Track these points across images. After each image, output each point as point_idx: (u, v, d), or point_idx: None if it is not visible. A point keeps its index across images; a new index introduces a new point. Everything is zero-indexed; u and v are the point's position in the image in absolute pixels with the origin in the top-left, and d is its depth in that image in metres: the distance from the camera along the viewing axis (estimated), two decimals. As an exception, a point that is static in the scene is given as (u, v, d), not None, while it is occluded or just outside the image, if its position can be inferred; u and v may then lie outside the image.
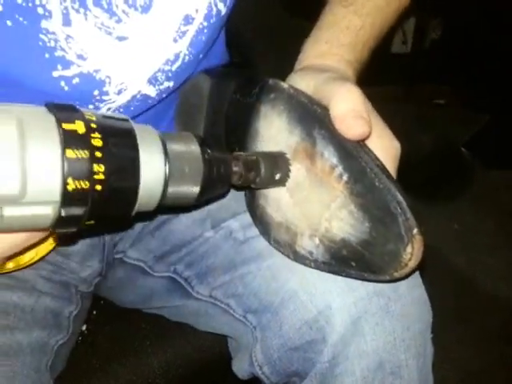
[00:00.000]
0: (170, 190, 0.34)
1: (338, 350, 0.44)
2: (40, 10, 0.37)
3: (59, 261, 0.57)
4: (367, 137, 0.36)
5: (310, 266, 0.41)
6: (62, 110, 0.30)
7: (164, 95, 0.47)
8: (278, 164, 0.39)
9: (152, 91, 0.46)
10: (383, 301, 0.44)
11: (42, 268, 0.55)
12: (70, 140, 0.28)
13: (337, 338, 0.44)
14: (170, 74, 0.46)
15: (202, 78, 0.49)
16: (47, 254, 0.45)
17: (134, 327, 0.65)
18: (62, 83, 0.40)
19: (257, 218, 0.45)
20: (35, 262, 0.45)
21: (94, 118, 0.31)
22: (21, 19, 0.37)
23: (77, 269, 0.59)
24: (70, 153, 0.28)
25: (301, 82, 0.42)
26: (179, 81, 0.48)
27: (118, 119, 0.33)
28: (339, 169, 0.36)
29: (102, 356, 0.61)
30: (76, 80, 0.41)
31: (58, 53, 0.39)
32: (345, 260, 0.38)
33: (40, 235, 0.35)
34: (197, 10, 0.44)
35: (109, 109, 0.44)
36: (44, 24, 0.37)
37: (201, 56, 0.48)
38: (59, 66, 0.40)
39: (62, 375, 0.56)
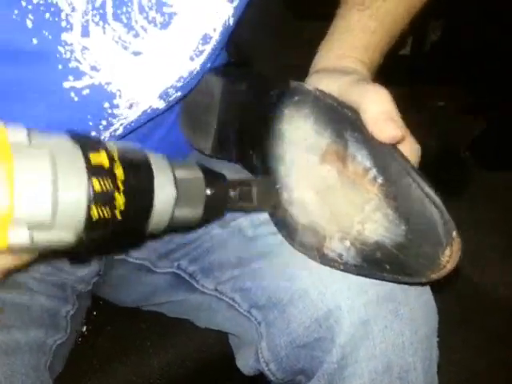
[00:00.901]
0: (176, 212, 0.36)
1: (346, 351, 0.44)
2: (63, 23, 0.37)
3: (56, 262, 0.57)
4: (401, 140, 0.37)
5: (339, 269, 0.41)
6: (88, 142, 0.32)
7: (172, 105, 0.48)
8: (267, 189, 0.42)
9: (161, 105, 0.46)
10: (393, 304, 0.44)
11: (35, 270, 0.55)
12: (95, 172, 0.31)
13: (345, 338, 0.44)
14: (179, 89, 0.46)
15: (212, 79, 0.49)
16: None
17: (134, 327, 0.65)
18: (72, 94, 0.41)
19: (279, 222, 0.45)
20: None
21: (115, 150, 0.33)
22: (46, 34, 0.37)
23: (74, 269, 0.59)
24: (96, 184, 0.31)
25: (319, 84, 0.41)
26: (186, 91, 0.48)
27: (135, 150, 0.35)
28: (373, 171, 0.36)
29: (102, 356, 0.61)
30: (86, 91, 0.41)
31: (72, 64, 0.39)
32: (378, 263, 0.38)
33: None
34: (215, 29, 0.44)
35: (121, 124, 0.45)
36: (64, 36, 0.38)
37: (208, 65, 0.48)
38: (71, 77, 0.40)
39: (63, 375, 0.56)
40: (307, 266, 0.43)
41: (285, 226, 0.44)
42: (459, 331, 1.12)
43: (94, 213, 0.31)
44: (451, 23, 1.79)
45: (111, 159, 0.32)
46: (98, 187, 0.31)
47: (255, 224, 0.51)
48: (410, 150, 0.39)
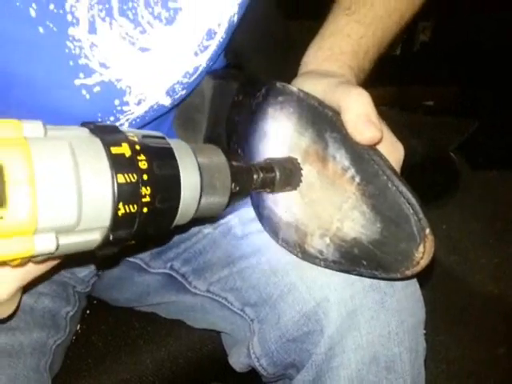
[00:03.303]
0: (202, 202, 0.34)
1: (334, 342, 0.45)
2: (69, 17, 0.37)
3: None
4: (378, 141, 0.37)
5: (320, 265, 0.42)
6: (107, 132, 0.30)
7: (176, 103, 0.48)
8: (291, 170, 0.41)
9: (168, 101, 0.46)
10: (379, 295, 0.45)
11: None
12: (119, 164, 0.29)
13: (333, 329, 0.45)
14: (186, 85, 0.46)
15: (203, 79, 0.49)
16: None
17: (127, 326, 0.65)
18: (84, 91, 0.40)
19: (264, 219, 0.46)
20: None
21: (136, 139, 0.31)
22: (51, 25, 0.37)
23: (74, 269, 0.59)
24: (120, 178, 0.28)
25: (306, 85, 0.42)
26: (191, 89, 0.48)
27: (156, 137, 0.33)
28: (351, 171, 0.37)
29: (96, 355, 0.61)
30: (97, 88, 0.41)
31: (82, 60, 0.39)
32: (355, 259, 0.39)
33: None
34: (219, 25, 0.44)
35: (127, 120, 0.45)
36: (71, 31, 0.38)
37: (212, 63, 0.48)
38: (81, 75, 0.40)
39: (57, 374, 0.56)
40: (295, 260, 0.44)
41: (269, 222, 0.45)
42: (449, 329, 1.13)
43: (121, 209, 0.29)
44: (441, 24, 1.80)
45: (133, 148, 0.30)
46: (122, 182, 0.28)
47: (244, 222, 0.52)
48: (392, 149, 0.40)
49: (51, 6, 0.36)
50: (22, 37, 0.37)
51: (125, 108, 0.43)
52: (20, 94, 0.40)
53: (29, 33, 0.37)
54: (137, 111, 0.44)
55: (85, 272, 0.61)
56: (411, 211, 0.35)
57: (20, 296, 0.37)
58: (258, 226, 0.47)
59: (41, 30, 0.37)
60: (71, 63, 0.39)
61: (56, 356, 0.54)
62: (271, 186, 0.40)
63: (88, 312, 0.65)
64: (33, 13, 0.36)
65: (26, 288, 0.40)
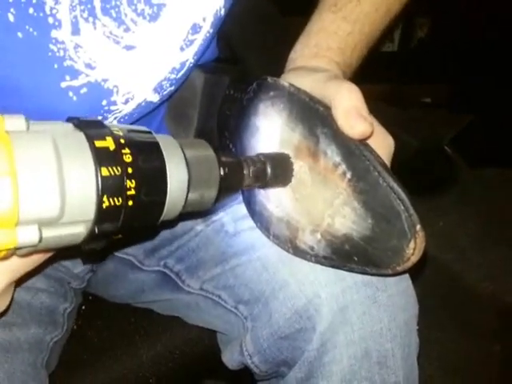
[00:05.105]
0: (190, 196, 0.34)
1: (326, 337, 0.45)
2: (50, 20, 0.37)
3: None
4: (369, 136, 0.37)
5: (311, 261, 0.42)
6: (91, 127, 0.30)
7: (165, 99, 0.48)
8: (282, 166, 0.41)
9: (156, 98, 0.46)
10: (370, 291, 0.45)
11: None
12: (103, 157, 0.29)
13: (325, 325, 0.45)
14: (174, 81, 0.46)
15: (195, 73, 0.49)
16: None
17: (123, 322, 0.65)
18: (70, 93, 0.40)
19: (255, 214, 0.46)
20: None
21: (121, 133, 0.31)
22: (31, 30, 0.36)
23: (69, 265, 0.60)
24: (104, 171, 0.28)
25: (294, 81, 0.42)
26: (179, 85, 0.48)
27: (141, 132, 0.33)
28: (342, 167, 0.37)
29: (92, 351, 0.61)
30: (84, 90, 0.40)
31: (67, 62, 0.39)
32: (346, 255, 0.39)
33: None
34: (204, 19, 0.44)
35: (115, 118, 0.45)
36: (54, 34, 0.37)
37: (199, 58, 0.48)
38: (67, 77, 0.39)
39: (53, 371, 0.56)
40: (287, 257, 0.44)
41: (260, 218, 0.45)
42: (444, 327, 1.13)
43: (105, 202, 0.29)
44: (438, 20, 1.80)
45: (118, 142, 0.30)
46: (106, 174, 0.28)
47: (236, 218, 0.52)
48: (383, 143, 0.40)
49: (30, 10, 0.36)
50: (1, 43, 0.36)
51: (112, 107, 0.43)
52: (6, 98, 0.39)
53: (7, 39, 0.36)
54: (125, 109, 0.44)
55: (80, 268, 0.61)
56: (402, 207, 0.35)
57: (12, 294, 0.37)
58: (250, 222, 0.47)
59: (20, 34, 0.36)
60: (56, 66, 0.38)
61: (53, 353, 0.54)
62: (262, 181, 0.40)
63: (84, 308, 0.65)
64: (11, 18, 0.35)
65: (20, 283, 0.40)
